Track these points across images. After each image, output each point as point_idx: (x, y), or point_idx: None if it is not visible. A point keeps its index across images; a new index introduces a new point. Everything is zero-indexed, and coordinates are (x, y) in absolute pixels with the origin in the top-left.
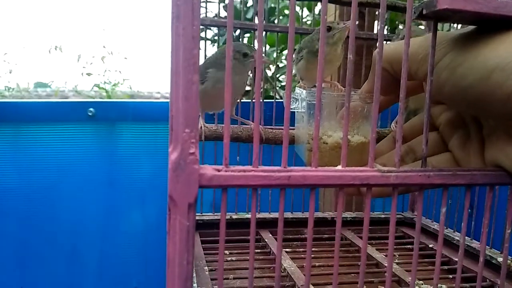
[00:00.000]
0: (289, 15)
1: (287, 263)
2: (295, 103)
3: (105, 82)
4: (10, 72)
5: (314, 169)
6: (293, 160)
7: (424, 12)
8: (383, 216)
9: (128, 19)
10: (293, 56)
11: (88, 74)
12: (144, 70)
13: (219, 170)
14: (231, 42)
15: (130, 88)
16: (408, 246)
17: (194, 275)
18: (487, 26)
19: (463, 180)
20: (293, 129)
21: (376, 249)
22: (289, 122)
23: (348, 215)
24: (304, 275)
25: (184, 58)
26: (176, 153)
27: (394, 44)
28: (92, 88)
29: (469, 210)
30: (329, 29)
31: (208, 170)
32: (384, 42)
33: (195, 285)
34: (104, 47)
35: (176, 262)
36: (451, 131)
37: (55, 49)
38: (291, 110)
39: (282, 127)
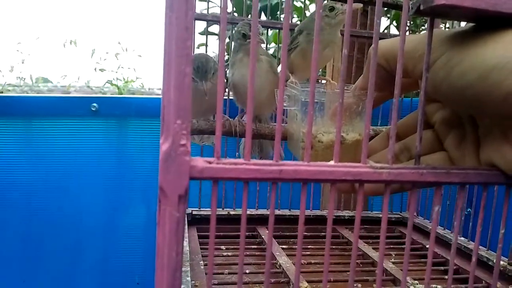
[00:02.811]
0: (284, 10)
1: (283, 260)
2: (288, 101)
3: (117, 79)
4: (23, 62)
5: (306, 164)
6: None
7: (422, 7)
8: (379, 215)
9: (144, 17)
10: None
11: (101, 70)
12: (158, 68)
13: (210, 162)
14: (224, 37)
15: (142, 85)
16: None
17: (189, 269)
18: (486, 24)
19: (457, 179)
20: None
21: (373, 248)
22: (282, 116)
23: (346, 213)
24: (300, 271)
25: (176, 48)
26: (167, 144)
27: (391, 40)
28: (104, 84)
29: (469, 210)
30: (331, 9)
31: (199, 162)
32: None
33: (188, 278)
34: (119, 43)
35: (165, 253)
36: (447, 130)
37: (70, 43)
38: (284, 108)
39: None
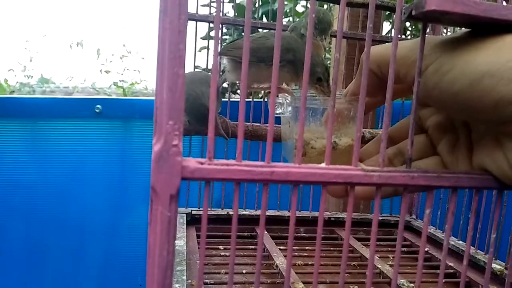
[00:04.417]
0: (277, 12)
1: (280, 261)
2: (280, 108)
3: (122, 81)
4: (31, 60)
5: (297, 166)
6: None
7: (413, 13)
8: (380, 218)
9: (148, 20)
10: None
11: (107, 72)
12: None
13: (202, 163)
14: (218, 39)
15: (146, 88)
16: (404, 249)
17: (185, 268)
18: (479, 30)
19: (448, 183)
20: (279, 126)
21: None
22: (274, 118)
23: (346, 215)
24: (296, 273)
25: (169, 51)
26: (159, 145)
27: (383, 46)
28: (110, 86)
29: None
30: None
31: (191, 162)
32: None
33: (184, 277)
34: (124, 45)
35: (157, 252)
36: (440, 134)
37: (77, 45)
38: (276, 115)
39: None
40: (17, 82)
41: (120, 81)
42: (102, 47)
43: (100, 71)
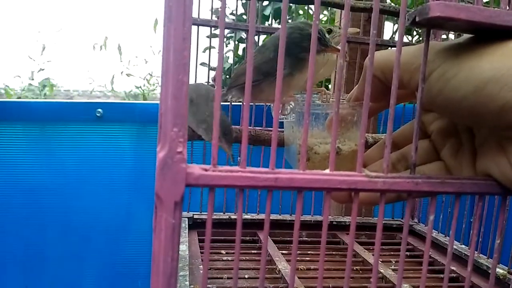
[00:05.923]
0: (281, 17)
1: (282, 265)
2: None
3: (144, 85)
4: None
5: (301, 172)
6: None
7: (417, 19)
8: (384, 222)
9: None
10: None
11: (128, 75)
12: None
13: (206, 170)
14: (222, 43)
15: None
16: (406, 253)
17: (188, 273)
18: (482, 36)
19: (452, 188)
20: (282, 130)
21: (373, 255)
22: (278, 124)
23: (347, 219)
24: (298, 277)
25: (174, 58)
26: (164, 152)
27: (387, 52)
28: (131, 90)
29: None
30: (329, 31)
31: (195, 169)
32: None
33: (187, 283)
34: (151, 47)
35: (161, 258)
36: (443, 139)
37: (100, 48)
38: (280, 121)
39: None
40: (28, 85)
41: (144, 85)
42: (126, 49)
43: (121, 73)
